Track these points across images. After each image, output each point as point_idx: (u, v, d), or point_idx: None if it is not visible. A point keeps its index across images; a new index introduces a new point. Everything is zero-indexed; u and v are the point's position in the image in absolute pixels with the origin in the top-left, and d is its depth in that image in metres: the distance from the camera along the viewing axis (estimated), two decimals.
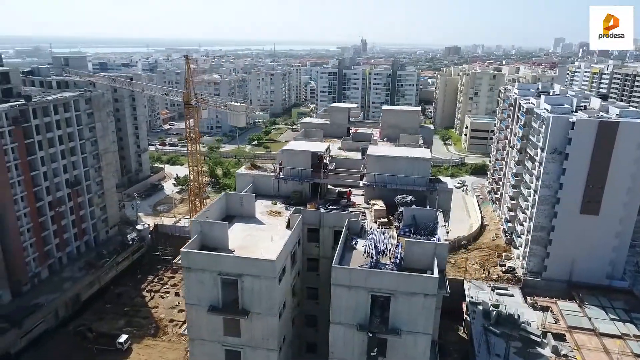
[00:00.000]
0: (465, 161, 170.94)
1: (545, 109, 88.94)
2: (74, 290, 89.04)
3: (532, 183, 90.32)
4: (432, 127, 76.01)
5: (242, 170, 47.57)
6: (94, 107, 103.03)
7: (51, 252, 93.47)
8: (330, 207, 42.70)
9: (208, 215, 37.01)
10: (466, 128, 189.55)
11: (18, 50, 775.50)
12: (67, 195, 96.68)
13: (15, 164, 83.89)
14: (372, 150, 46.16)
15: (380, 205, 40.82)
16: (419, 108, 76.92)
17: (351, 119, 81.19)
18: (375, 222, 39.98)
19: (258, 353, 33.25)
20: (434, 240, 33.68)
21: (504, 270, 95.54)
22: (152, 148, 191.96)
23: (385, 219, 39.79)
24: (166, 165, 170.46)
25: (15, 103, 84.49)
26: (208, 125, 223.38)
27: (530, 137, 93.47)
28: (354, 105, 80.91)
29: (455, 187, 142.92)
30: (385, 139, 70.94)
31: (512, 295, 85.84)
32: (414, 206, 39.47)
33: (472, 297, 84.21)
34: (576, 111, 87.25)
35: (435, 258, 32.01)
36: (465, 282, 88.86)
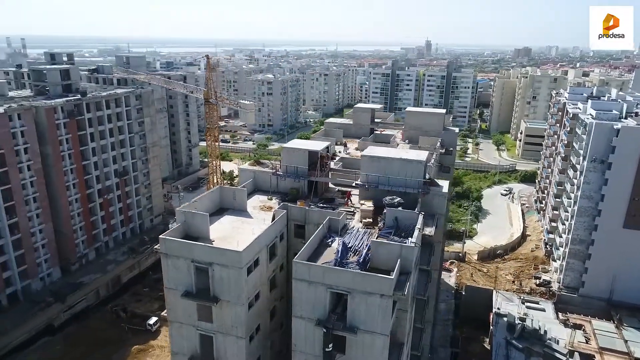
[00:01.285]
0: (516, 168, 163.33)
1: (590, 114, 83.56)
2: (115, 273, 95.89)
3: (573, 193, 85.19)
4: (456, 130, 73.95)
5: (244, 165, 49.59)
6: (144, 103, 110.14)
7: (98, 235, 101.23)
8: (321, 205, 43.47)
9: (197, 206, 39.16)
10: (521, 133, 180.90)
11: (101, 50, 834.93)
12: (116, 185, 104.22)
13: (68, 154, 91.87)
14: (367, 151, 46.26)
15: (367, 205, 40.94)
16: (444, 110, 75.10)
17: (378, 120, 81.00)
18: (361, 222, 40.20)
19: (228, 339, 34.85)
20: (407, 242, 33.47)
21: (537, 283, 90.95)
22: (204, 143, 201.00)
23: (370, 219, 39.92)
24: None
25: (71, 98, 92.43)
26: (261, 123, 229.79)
27: (574, 144, 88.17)
28: (378, 106, 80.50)
29: (501, 194, 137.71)
30: (407, 141, 70.22)
31: (543, 310, 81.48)
32: (400, 208, 39.26)
33: (498, 308, 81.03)
34: (625, 117, 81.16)
35: (400, 260, 31.91)
36: (494, 292, 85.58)
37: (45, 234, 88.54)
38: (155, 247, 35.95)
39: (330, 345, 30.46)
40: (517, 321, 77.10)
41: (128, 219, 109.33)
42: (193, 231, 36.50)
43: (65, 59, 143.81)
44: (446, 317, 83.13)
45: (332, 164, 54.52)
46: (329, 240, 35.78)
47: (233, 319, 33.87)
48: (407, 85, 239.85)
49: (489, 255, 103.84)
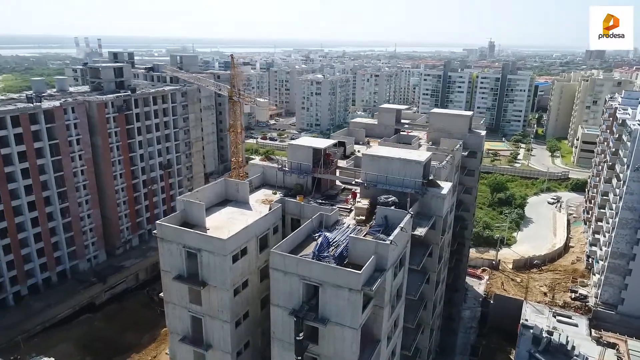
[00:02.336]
0: (569, 176, 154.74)
1: (638, 120, 78.33)
2: (154, 259, 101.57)
3: (615, 204, 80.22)
4: (482, 132, 71.93)
5: (255, 161, 51.67)
6: (189, 100, 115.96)
7: (142, 223, 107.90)
8: (320, 201, 44.54)
9: (201, 196, 41.64)
10: (577, 140, 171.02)
11: (169, 50, 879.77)
12: (160, 176, 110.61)
13: (117, 145, 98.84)
14: (369, 150, 46.65)
15: (363, 203, 41.50)
16: (470, 113, 73.25)
17: (406, 121, 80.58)
18: (355, 219, 40.88)
19: (215, 323, 36.85)
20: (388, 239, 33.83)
21: (573, 297, 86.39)
22: (253, 141, 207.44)
23: (364, 217, 40.47)
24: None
25: (121, 94, 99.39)
26: (308, 122, 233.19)
27: (619, 152, 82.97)
28: (404, 107, 79.89)
29: (548, 203, 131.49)
30: (430, 142, 69.49)
31: (575, 325, 77.35)
32: (393, 207, 39.53)
33: (526, 320, 77.99)
34: None
35: (375, 257, 32.36)
36: (524, 303, 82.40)
37: (93, 219, 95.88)
38: (153, 232, 38.71)
39: (301, 334, 31.60)
40: (543, 334, 73.99)
41: (170, 209, 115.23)
42: (190, 219, 38.95)
43: (126, 57, 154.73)
44: (469, 324, 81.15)
45: (345, 163, 55.52)
46: (317, 234, 36.83)
47: (219, 303, 35.88)
48: (459, 87, 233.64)
49: (525, 265, 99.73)
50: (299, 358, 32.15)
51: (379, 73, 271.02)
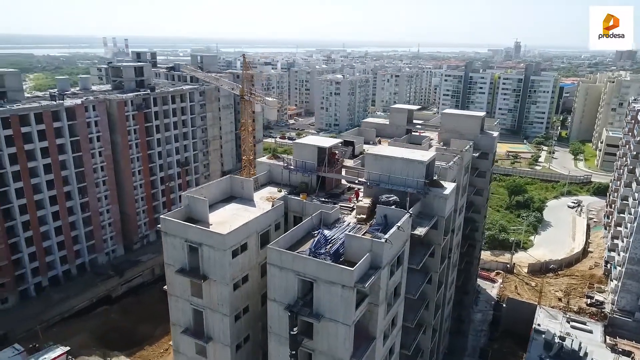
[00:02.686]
0: (592, 179, 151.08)
1: None
2: None
3: (634, 208, 78.24)
4: (494, 134, 71.04)
5: (262, 159, 52.48)
6: (207, 99, 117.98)
7: (159, 219, 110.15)
8: (323, 199, 45.00)
9: (204, 192, 42.64)
10: (601, 143, 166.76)
11: (193, 50, 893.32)
12: (177, 174, 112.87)
13: (135, 143, 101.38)
14: (373, 149, 46.89)
15: (364, 202, 41.79)
16: (482, 114, 72.43)
17: (419, 121, 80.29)
18: (356, 217, 41.21)
19: (215, 316, 37.71)
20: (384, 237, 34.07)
21: (589, 303, 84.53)
22: (272, 140, 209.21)
23: (365, 216, 40.75)
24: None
25: (140, 92, 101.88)
26: (327, 122, 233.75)
27: None
28: (416, 107, 79.53)
29: (568, 207, 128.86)
30: (441, 143, 69.14)
31: (590, 332, 75.96)
32: (394, 206, 39.72)
33: (539, 325, 76.87)
34: None
35: (369, 254, 32.66)
36: (538, 307, 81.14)
37: (111, 214, 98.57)
38: (157, 226, 39.82)
39: (295, 329, 32.15)
40: (556, 339, 72.83)
41: None
42: (194, 214, 39.95)
43: (148, 57, 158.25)
44: (480, 327, 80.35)
45: (352, 162, 55.85)
46: (317, 231, 37.32)
47: (219, 297, 36.73)
48: (480, 88, 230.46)
49: (541, 269, 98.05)
50: (293, 352, 32.74)
51: (399, 73, 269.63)
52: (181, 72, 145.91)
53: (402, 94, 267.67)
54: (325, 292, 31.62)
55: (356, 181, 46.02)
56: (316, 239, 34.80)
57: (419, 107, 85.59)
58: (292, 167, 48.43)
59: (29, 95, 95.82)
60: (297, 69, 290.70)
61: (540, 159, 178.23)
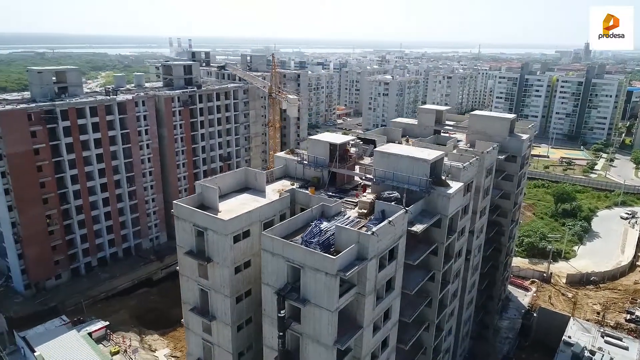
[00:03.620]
0: None
1: None
2: None
3: None
4: (524, 136, 69.00)
5: (280, 154, 54.83)
6: (250, 97, 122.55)
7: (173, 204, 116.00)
8: (330, 194, 46.58)
9: (219, 182, 45.63)
10: None
11: (253, 50, 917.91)
12: (219, 168, 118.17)
13: (181, 137, 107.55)
14: (381, 147, 47.73)
15: (367, 198, 42.93)
16: (511, 116, 70.44)
17: (450, 123, 79.58)
18: (357, 212, 42.48)
19: (218, 296, 40.39)
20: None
21: (628, 318, 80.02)
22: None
23: (366, 210, 41.89)
24: None
25: (187, 90, 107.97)
26: (374, 123, 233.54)
27: None
28: (446, 108, 78.60)
29: (621, 217, 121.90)
30: (468, 144, 68.44)
31: (625, 348, 72.36)
32: (393, 203, 40.65)
33: (569, 337, 74.09)
34: None
35: (356, 245, 33.92)
36: (571, 319, 78.12)
37: (156, 202, 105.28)
38: (171, 211, 43.25)
39: (283, 312, 34.09)
40: (585, 353, 69.96)
41: None
42: (206, 201, 43.00)
43: (203, 56, 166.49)
44: (506, 335, 78.40)
45: (369, 160, 56.92)
46: (316, 222, 39.08)
47: (221, 278, 39.47)
48: (537, 91, 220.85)
49: (581, 281, 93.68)
50: (281, 334, 34.74)
51: (451, 75, 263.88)
52: (231, 71, 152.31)
53: (453, 95, 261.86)
54: (311, 278, 33.35)
55: (363, 177, 47.25)
56: (310, 228, 36.59)
57: (448, 107, 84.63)
58: (305, 162, 50.38)
59: (87, 90, 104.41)
60: (348, 69, 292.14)
61: (596, 167, 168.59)
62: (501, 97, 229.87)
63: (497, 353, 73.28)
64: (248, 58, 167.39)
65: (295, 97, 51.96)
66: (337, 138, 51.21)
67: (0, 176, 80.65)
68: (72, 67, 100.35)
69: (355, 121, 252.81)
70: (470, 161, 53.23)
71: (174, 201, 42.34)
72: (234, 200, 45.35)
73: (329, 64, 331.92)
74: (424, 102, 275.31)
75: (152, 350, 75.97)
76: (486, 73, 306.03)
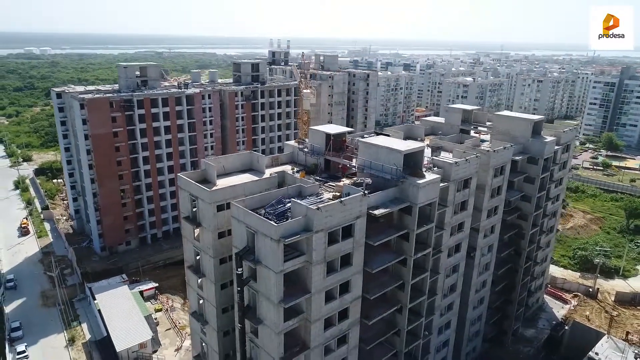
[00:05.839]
0: None
1: None
2: None
3: None
4: (548, 139, 66.69)
5: (289, 142, 60.35)
6: None
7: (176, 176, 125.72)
8: (319, 178, 51.11)
9: (223, 161, 52.54)
10: None
11: (350, 51, 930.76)
12: None
13: (242, 128, 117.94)
14: (366, 138, 50.92)
15: (343, 182, 46.89)
16: (536, 117, 68.05)
17: (483, 124, 79.22)
18: (332, 194, 46.65)
19: (206, 257, 46.84)
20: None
21: None
22: None
23: (339, 193, 45.84)
24: None
25: (249, 85, 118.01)
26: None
27: None
28: (473, 108, 77.75)
29: None
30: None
31: None
32: (361, 188, 44.26)
33: (596, 353, 70.39)
34: None
35: (303, 218, 38.36)
36: (605, 336, 73.87)
37: None
38: (176, 182, 51.01)
39: (240, 270, 39.80)
40: None
41: None
42: (207, 176, 50.14)
43: (282, 56, 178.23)
44: (528, 345, 76.04)
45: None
46: (281, 198, 44.18)
47: (207, 241, 46.26)
48: (638, 97, 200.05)
49: (632, 300, 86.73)
50: (239, 289, 40.51)
51: (542, 78, 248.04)
52: (304, 70, 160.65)
53: (543, 100, 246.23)
54: (262, 242, 38.65)
55: (348, 165, 51.20)
56: (273, 202, 41.96)
57: (477, 107, 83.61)
58: (305, 149, 55.60)
59: (166, 83, 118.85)
60: (432, 70, 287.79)
61: None
62: (595, 104, 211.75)
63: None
64: (321, 58, 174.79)
65: (308, 90, 55.99)
66: (333, 129, 55.64)
67: (86, 153, 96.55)
68: (153, 63, 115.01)
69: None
70: (467, 158, 54.47)
71: (177, 174, 50.05)
72: (235, 177, 51.96)
73: (415, 65, 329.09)
74: (510, 107, 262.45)
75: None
76: (587, 78, 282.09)
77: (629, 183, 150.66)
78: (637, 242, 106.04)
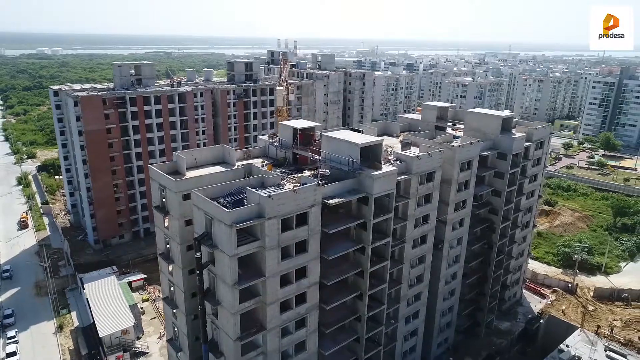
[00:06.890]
0: None
1: None
2: None
3: None
4: (516, 135, 68.35)
5: (262, 137, 62.82)
6: (303, 92, 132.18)
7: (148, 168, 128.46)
8: (284, 170, 53.51)
9: (196, 154, 55.18)
10: None
11: (358, 51, 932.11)
12: None
13: (234, 126, 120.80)
14: (328, 132, 53.19)
15: (303, 174, 49.30)
16: (505, 113, 69.89)
17: (459, 121, 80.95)
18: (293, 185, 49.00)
19: (174, 243, 49.37)
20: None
21: None
22: None
23: (299, 184, 48.18)
24: None
25: (242, 84, 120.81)
26: None
27: None
28: (446, 105, 79.65)
29: None
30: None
31: None
32: (316, 178, 46.58)
33: (567, 345, 72.03)
34: None
35: (255, 205, 40.78)
36: (578, 330, 75.49)
37: None
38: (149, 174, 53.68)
39: (199, 254, 42.34)
40: None
41: None
42: (178, 168, 52.75)
43: (281, 56, 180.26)
44: (501, 337, 77.62)
45: None
46: (239, 187, 46.54)
47: (175, 229, 48.86)
48: (637, 97, 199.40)
49: (610, 297, 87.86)
50: (198, 272, 43.06)
51: (543, 78, 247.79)
52: (301, 69, 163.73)
53: (544, 100, 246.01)
54: (217, 228, 41.12)
55: (312, 158, 53.51)
56: (232, 191, 44.45)
57: (452, 104, 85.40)
58: (275, 143, 58.04)
59: (160, 82, 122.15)
60: (433, 70, 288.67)
61: None
62: (594, 104, 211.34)
63: (486, 352, 73.36)
64: (318, 58, 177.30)
65: (281, 88, 58.14)
66: (300, 124, 57.98)
67: (80, 149, 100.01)
68: (147, 62, 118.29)
69: None
70: (429, 152, 56.50)
71: (149, 165, 52.74)
72: (207, 169, 54.36)
73: (418, 65, 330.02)
74: (511, 107, 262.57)
75: None
76: (589, 78, 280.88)
77: (623, 182, 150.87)
78: (623, 240, 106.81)
